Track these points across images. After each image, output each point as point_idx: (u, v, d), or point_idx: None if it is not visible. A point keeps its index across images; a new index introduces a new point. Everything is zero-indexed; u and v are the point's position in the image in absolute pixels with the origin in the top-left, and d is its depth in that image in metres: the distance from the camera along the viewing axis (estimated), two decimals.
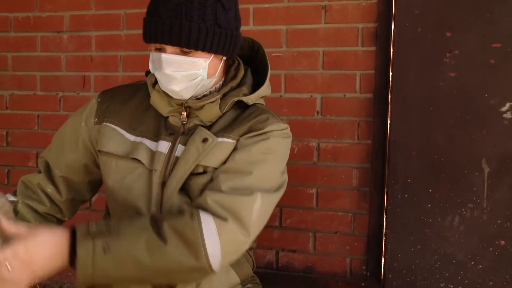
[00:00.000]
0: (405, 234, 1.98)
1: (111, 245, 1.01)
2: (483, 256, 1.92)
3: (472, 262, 1.93)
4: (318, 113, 2.13)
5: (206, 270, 1.05)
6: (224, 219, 1.07)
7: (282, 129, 1.22)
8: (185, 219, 1.06)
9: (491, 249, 1.91)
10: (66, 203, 1.33)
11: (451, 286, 1.94)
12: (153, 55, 1.15)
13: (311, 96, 2.14)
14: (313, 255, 2.15)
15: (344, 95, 2.10)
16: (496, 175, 1.90)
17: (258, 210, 1.11)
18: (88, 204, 2.42)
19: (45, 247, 1.00)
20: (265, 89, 1.27)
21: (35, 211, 1.29)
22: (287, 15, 2.15)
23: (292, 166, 2.13)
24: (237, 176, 1.13)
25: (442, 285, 1.95)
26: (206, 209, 1.09)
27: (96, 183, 1.36)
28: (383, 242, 2.03)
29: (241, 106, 1.25)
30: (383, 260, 2.04)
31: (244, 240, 1.10)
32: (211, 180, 1.16)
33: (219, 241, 1.05)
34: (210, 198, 1.09)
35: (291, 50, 2.16)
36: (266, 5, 2.18)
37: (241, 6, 2.16)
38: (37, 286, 1.26)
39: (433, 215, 1.96)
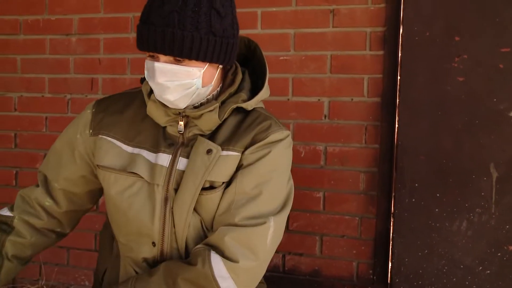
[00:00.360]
0: (412, 238, 1.98)
1: None
2: (491, 261, 1.91)
3: (480, 267, 1.92)
4: (325, 116, 2.13)
5: None
6: (235, 260, 1.09)
7: (284, 138, 1.20)
8: (197, 269, 1.08)
9: (499, 254, 1.90)
10: (66, 215, 1.31)
11: None
12: (147, 63, 1.12)
13: (319, 100, 2.14)
14: (320, 258, 2.14)
15: (352, 99, 2.10)
16: (505, 180, 1.89)
17: (272, 235, 1.14)
18: (95, 206, 2.43)
19: None
20: (264, 93, 1.24)
21: (32, 226, 1.27)
22: (295, 19, 2.16)
23: (299, 170, 2.13)
24: (248, 203, 1.13)
25: None
26: (222, 248, 1.10)
27: (95, 193, 1.34)
28: (390, 246, 2.03)
29: (241, 111, 1.22)
30: (390, 265, 2.03)
31: (260, 269, 1.14)
32: (221, 201, 1.15)
33: (234, 282, 1.09)
34: (227, 235, 1.10)
35: (298, 54, 2.16)
36: (274, 9, 2.18)
37: (248, 10, 2.20)
38: (44, 287, 1.27)
39: (440, 219, 1.95)
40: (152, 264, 1.19)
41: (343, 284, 2.12)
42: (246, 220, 1.12)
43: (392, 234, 2.01)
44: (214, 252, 1.10)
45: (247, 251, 1.10)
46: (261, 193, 1.14)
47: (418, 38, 1.97)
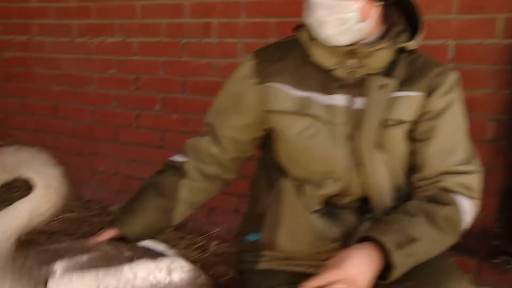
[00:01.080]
0: None
1: (415, 252, 1.15)
2: None
3: None
4: (451, 60, 2.01)
5: None
6: (472, 197, 1.24)
7: (458, 79, 1.25)
8: (449, 207, 1.21)
9: None
10: (232, 162, 1.37)
11: None
12: (308, 1, 1.18)
13: (444, 42, 2.01)
14: None
15: (481, 42, 1.95)
16: None
17: (481, 178, 1.27)
18: None
19: (363, 265, 1.09)
20: (422, 33, 1.27)
21: (202, 172, 1.34)
22: None
23: None
24: (454, 151, 1.23)
25: None
26: (453, 192, 1.23)
27: (259, 140, 1.38)
28: None
29: (404, 53, 1.25)
30: None
31: (479, 208, 1.29)
32: (425, 152, 1.23)
33: (470, 217, 1.26)
34: (453, 182, 1.22)
35: None
36: None
37: None
38: None
39: None
40: (330, 199, 1.25)
41: (468, 235, 2.05)
42: (460, 166, 1.23)
43: None
44: (454, 193, 1.23)
45: (473, 193, 1.24)
46: (461, 142, 1.24)
47: None
